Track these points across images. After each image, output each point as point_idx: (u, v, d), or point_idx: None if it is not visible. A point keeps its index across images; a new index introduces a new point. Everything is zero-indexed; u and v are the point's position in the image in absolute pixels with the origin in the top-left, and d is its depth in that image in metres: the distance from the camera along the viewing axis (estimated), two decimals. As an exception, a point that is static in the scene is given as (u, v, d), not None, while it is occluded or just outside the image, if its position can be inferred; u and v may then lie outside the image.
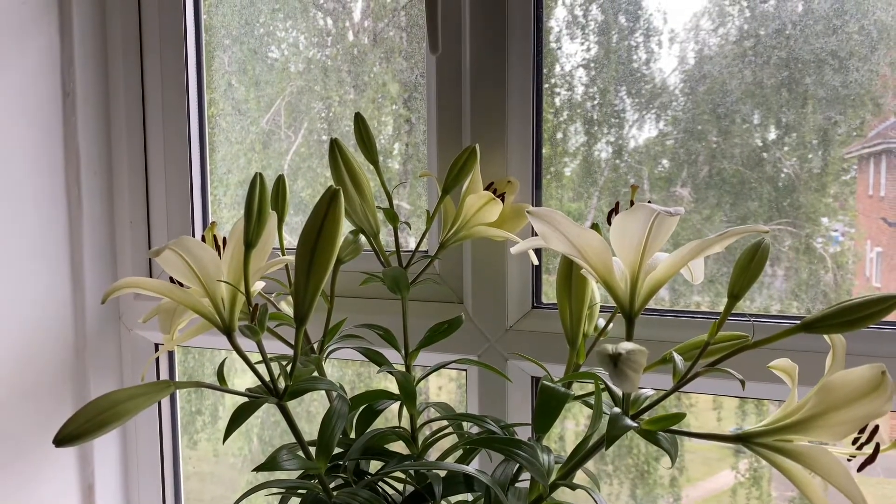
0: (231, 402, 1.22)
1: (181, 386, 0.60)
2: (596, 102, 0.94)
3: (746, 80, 0.86)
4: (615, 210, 0.60)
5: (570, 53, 0.94)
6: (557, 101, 0.96)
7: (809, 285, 0.86)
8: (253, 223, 0.60)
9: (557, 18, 0.94)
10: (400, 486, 0.73)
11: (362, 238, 0.79)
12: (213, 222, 0.72)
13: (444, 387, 1.13)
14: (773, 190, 0.86)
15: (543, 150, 0.93)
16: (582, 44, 0.94)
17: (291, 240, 1.10)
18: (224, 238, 0.68)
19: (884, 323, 0.80)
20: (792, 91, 0.84)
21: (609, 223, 0.59)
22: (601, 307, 0.75)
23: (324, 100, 1.11)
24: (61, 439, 0.53)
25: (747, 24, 0.86)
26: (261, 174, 0.61)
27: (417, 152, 1.05)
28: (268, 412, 1.22)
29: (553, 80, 0.95)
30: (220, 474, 1.27)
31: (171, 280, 0.65)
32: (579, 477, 0.67)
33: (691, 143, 0.90)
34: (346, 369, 1.14)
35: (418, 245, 0.82)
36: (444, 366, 0.76)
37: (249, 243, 0.61)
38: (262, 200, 0.61)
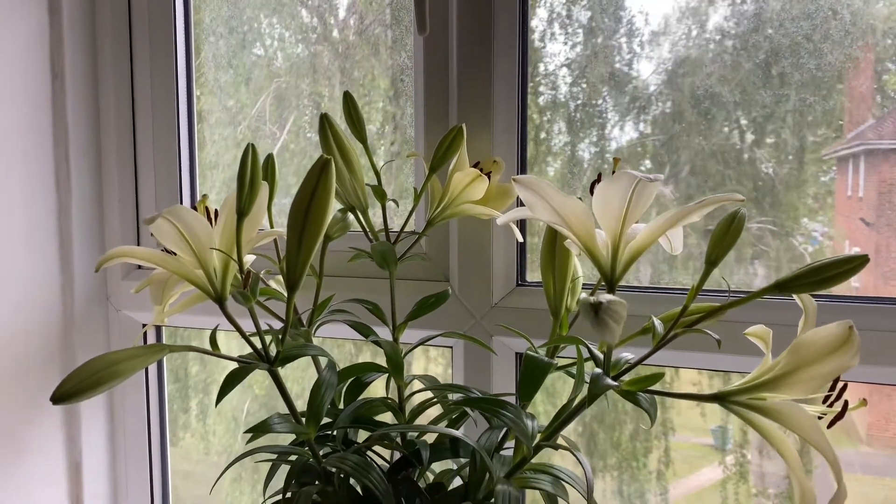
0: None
1: (174, 349, 0.61)
2: (579, 102, 0.96)
3: (728, 78, 0.88)
4: (598, 180, 0.61)
5: (554, 53, 0.96)
6: (541, 100, 0.97)
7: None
8: (245, 192, 0.62)
9: (541, 18, 0.96)
10: (388, 455, 0.75)
11: (350, 216, 0.81)
12: (205, 195, 0.73)
13: (429, 369, 1.15)
14: (754, 189, 0.88)
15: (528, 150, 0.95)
16: (565, 43, 0.96)
17: (281, 220, 1.11)
18: (216, 210, 0.69)
19: (855, 297, 0.83)
20: (771, 87, 0.86)
21: (592, 193, 0.61)
22: (583, 284, 0.77)
23: (310, 96, 1.12)
24: (59, 397, 0.54)
25: (727, 22, 0.88)
26: (252, 145, 0.63)
27: (404, 149, 1.06)
28: (254, 412, 1.23)
29: (537, 79, 0.97)
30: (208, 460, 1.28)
31: (164, 251, 0.66)
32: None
33: (673, 142, 0.91)
34: (333, 350, 1.16)
35: (405, 223, 0.84)
36: (431, 339, 0.78)
37: (242, 212, 0.62)
38: (255, 170, 0.62)
